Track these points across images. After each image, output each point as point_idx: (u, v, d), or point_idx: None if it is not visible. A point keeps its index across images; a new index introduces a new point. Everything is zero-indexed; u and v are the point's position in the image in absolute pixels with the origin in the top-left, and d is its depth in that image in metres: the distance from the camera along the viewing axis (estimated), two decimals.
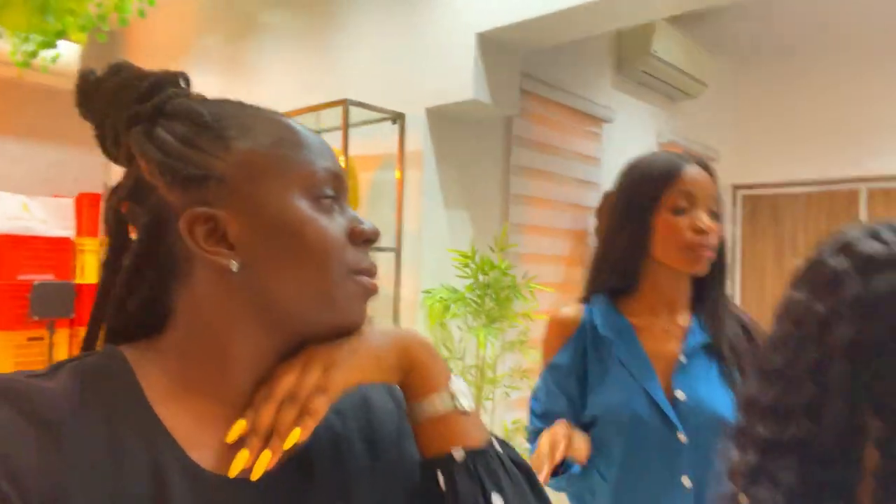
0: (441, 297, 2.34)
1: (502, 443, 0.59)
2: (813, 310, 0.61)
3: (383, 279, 2.53)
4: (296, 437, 0.50)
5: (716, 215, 1.15)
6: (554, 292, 2.98)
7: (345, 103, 2.37)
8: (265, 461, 0.49)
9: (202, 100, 0.56)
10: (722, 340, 1.14)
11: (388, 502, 0.58)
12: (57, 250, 3.52)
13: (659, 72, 3.60)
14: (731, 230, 4.72)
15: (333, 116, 2.52)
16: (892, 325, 0.56)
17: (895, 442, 0.55)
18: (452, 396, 0.57)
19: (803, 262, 0.66)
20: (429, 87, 2.51)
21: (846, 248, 0.62)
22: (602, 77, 3.50)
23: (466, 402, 0.57)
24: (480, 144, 2.78)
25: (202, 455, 0.50)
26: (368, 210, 2.70)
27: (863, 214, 4.25)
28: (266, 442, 0.50)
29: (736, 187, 4.78)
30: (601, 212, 3.26)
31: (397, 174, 2.54)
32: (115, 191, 0.55)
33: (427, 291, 2.44)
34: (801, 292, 0.63)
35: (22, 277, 3.34)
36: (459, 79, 2.42)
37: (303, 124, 0.58)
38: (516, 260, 2.89)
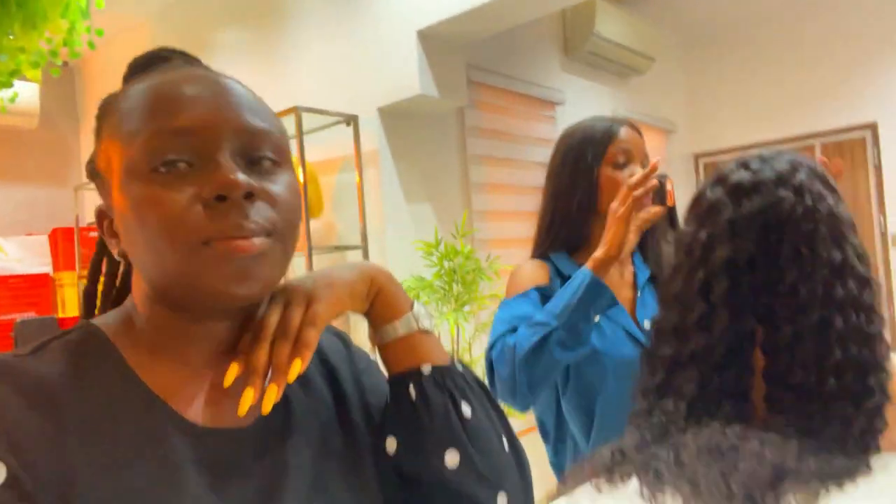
0: (410, 287, 2.41)
1: (462, 364, 0.64)
2: (697, 237, 0.68)
3: None
4: (297, 368, 0.51)
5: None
6: None
7: (296, 110, 2.44)
8: (272, 396, 0.50)
9: (143, 73, 0.55)
10: (662, 269, 1.26)
11: (355, 434, 0.60)
12: (36, 287, 3.57)
13: (605, 51, 3.70)
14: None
15: (288, 125, 2.59)
16: (760, 241, 0.64)
17: (777, 345, 0.62)
18: (416, 319, 0.60)
19: (691, 199, 0.74)
20: (378, 87, 2.59)
21: (720, 180, 0.69)
22: (550, 61, 3.59)
23: (429, 323, 0.61)
24: (435, 138, 2.86)
25: (192, 413, 0.51)
26: (333, 212, 2.77)
27: None
28: (265, 379, 0.51)
29: (697, 156, 4.90)
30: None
31: (356, 175, 2.62)
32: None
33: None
34: (689, 225, 0.71)
35: (4, 317, 3.38)
36: (405, 76, 2.50)
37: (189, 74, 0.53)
38: (484, 246, 2.97)
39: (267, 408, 0.50)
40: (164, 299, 0.52)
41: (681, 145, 4.77)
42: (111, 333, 0.53)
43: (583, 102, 3.78)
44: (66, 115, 4.02)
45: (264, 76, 3.04)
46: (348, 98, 2.66)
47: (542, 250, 1.30)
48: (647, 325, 1.20)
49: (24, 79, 2.59)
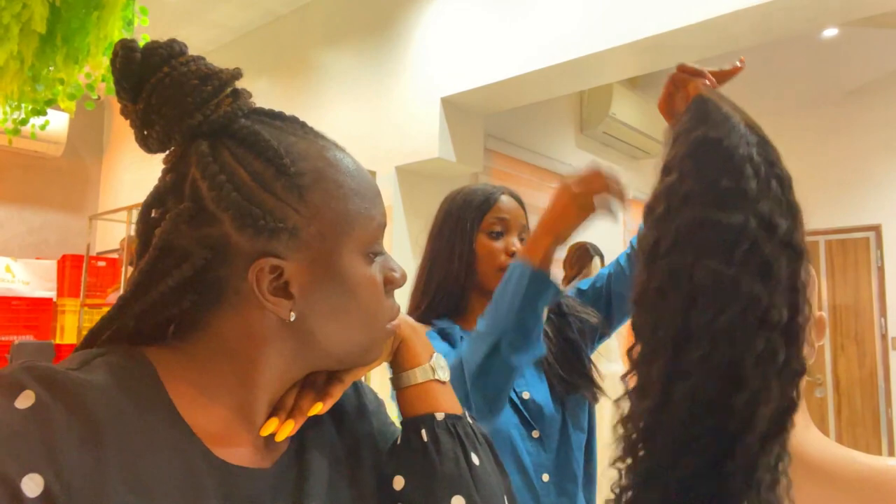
0: None
1: (472, 417, 0.66)
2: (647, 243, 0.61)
3: None
4: (318, 409, 0.57)
5: (524, 241, 1.22)
6: None
7: None
8: (288, 429, 0.56)
9: (261, 117, 0.55)
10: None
11: (358, 478, 0.61)
12: (38, 311, 3.57)
13: (619, 132, 3.83)
14: None
15: None
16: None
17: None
18: (433, 370, 0.64)
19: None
20: (398, 146, 2.68)
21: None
22: (565, 136, 3.71)
23: (444, 375, 0.65)
24: None
25: (221, 451, 0.52)
26: None
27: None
28: (287, 415, 0.57)
29: None
30: (568, 262, 3.40)
31: None
32: (156, 195, 0.54)
33: None
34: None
35: (2, 338, 3.38)
36: (426, 139, 2.59)
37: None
38: None
39: (280, 437, 0.56)
40: (323, 359, 0.58)
41: None
42: (154, 359, 0.53)
43: None
44: (90, 147, 4.13)
45: None
46: (369, 154, 2.75)
47: (420, 315, 1.21)
48: (525, 395, 1.12)
49: (57, 108, 2.69)
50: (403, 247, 2.69)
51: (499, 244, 1.19)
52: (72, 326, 3.59)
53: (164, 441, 0.50)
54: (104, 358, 0.51)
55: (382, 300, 0.57)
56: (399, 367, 0.65)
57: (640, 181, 4.33)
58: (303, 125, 0.58)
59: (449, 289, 1.20)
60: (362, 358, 0.59)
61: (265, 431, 0.55)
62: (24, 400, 0.45)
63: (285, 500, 0.55)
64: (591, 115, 3.74)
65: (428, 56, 2.65)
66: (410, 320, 0.66)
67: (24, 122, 2.71)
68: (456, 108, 2.64)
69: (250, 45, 3.45)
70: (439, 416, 0.61)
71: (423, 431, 0.60)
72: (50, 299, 3.64)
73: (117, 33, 2.39)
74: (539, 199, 3.45)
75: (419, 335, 0.66)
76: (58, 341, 3.58)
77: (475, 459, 0.60)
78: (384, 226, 0.58)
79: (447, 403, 0.63)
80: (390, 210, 2.67)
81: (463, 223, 1.20)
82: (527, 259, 0.98)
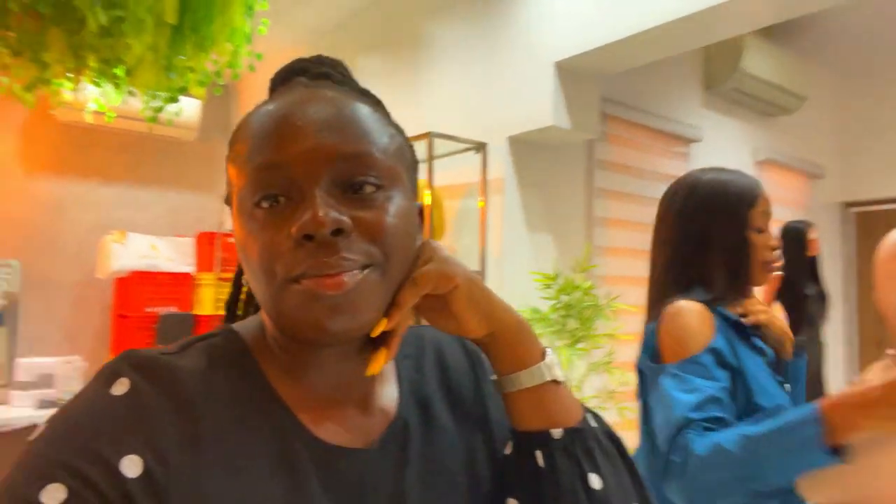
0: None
1: (595, 415, 0.58)
2: None
3: None
4: (382, 326, 0.50)
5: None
6: (637, 312, 2.93)
7: (429, 136, 2.51)
8: (382, 358, 0.51)
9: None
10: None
11: (475, 464, 0.58)
12: (179, 285, 3.89)
13: (751, 88, 3.51)
14: (843, 249, 4.42)
15: (421, 150, 2.67)
16: None
17: None
18: (549, 369, 0.55)
19: None
20: (509, 116, 2.61)
21: None
22: (689, 96, 3.46)
23: (560, 373, 0.56)
24: (562, 169, 2.83)
25: (320, 431, 0.52)
26: (454, 237, 2.81)
27: None
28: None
29: (846, 205, 4.49)
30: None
31: (480, 201, 2.63)
32: None
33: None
34: None
35: (149, 309, 3.72)
36: (539, 107, 2.50)
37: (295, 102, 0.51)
38: (602, 282, 2.88)
39: (373, 370, 0.51)
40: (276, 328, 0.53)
41: (828, 192, 4.39)
42: (250, 342, 0.54)
43: (721, 140, 3.60)
44: (220, 131, 4.39)
45: (402, 101, 3.17)
46: (479, 126, 2.70)
47: (684, 292, 1.17)
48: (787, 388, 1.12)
49: (189, 95, 2.86)
50: (516, 218, 2.64)
51: (762, 238, 1.19)
52: (209, 299, 3.88)
53: (260, 421, 0.50)
54: (205, 341, 0.53)
55: (271, 257, 0.47)
56: (502, 367, 0.56)
57: (774, 140, 3.96)
58: (310, 79, 0.56)
59: (712, 276, 1.19)
60: (283, 325, 0.50)
61: (373, 368, 0.51)
62: (120, 387, 0.47)
63: (385, 484, 0.53)
64: (718, 71, 3.46)
65: (540, 19, 2.55)
66: (481, 286, 0.55)
67: (160, 109, 2.91)
68: (570, 73, 2.52)
69: (361, 24, 3.49)
70: (556, 433, 0.54)
71: (539, 454, 0.54)
72: (189, 274, 3.95)
73: (239, 19, 2.49)
74: (661, 165, 3.26)
75: (523, 327, 0.56)
76: (197, 312, 3.89)
77: (596, 483, 0.53)
78: (272, 167, 0.48)
79: (565, 412, 0.55)
80: (501, 182, 2.61)
81: (736, 215, 1.18)
82: (828, 427, 0.82)
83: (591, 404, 2.44)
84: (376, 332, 0.51)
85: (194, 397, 0.48)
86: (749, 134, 3.83)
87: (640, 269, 3.12)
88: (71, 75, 2.39)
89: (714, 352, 1.07)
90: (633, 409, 2.48)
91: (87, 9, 1.89)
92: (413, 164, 0.58)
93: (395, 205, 0.51)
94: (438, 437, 0.58)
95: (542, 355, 0.56)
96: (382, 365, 0.52)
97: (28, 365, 3.33)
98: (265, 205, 0.48)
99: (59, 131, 3.85)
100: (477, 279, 0.56)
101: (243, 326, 0.56)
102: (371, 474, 0.52)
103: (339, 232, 0.47)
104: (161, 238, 3.95)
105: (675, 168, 3.33)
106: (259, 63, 2.95)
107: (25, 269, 3.73)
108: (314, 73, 0.56)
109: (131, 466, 0.43)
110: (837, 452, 0.82)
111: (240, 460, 0.47)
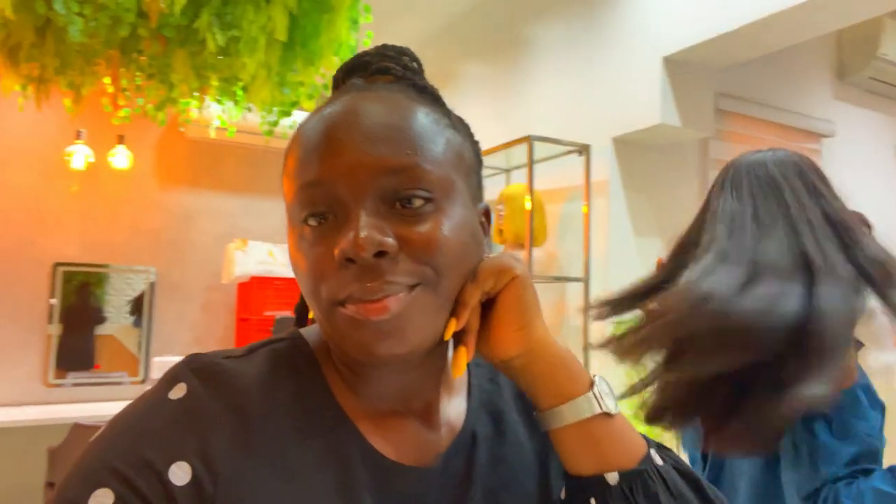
0: (633, 328, 2.26)
1: (660, 448, 0.51)
2: None
3: (571, 310, 2.53)
4: (452, 327, 0.48)
5: None
6: None
7: (528, 139, 2.46)
8: (464, 357, 0.49)
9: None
10: None
11: (548, 483, 0.54)
12: (294, 290, 4.07)
13: (891, 76, 3.16)
14: None
15: (520, 154, 2.63)
16: None
17: None
18: (598, 399, 0.48)
19: None
20: (614, 116, 2.51)
21: None
22: (818, 87, 3.16)
23: (612, 404, 0.49)
24: (672, 169, 2.68)
25: (379, 444, 0.50)
26: (556, 243, 2.73)
27: None
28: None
29: None
30: None
31: (584, 205, 2.55)
32: None
33: (619, 322, 2.38)
34: None
35: (267, 313, 3.94)
36: (646, 105, 2.38)
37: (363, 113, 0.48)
38: None
39: (457, 371, 0.49)
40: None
41: None
42: (316, 349, 0.53)
43: (856, 135, 3.26)
44: None
45: (503, 105, 3.14)
46: (582, 127, 2.62)
47: None
48: None
49: (302, 109, 3.00)
50: (623, 222, 2.52)
51: None
52: None
53: (319, 431, 0.48)
54: (271, 346, 0.52)
55: (317, 280, 0.45)
56: (543, 398, 0.49)
57: None
58: (364, 82, 0.52)
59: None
60: (334, 340, 0.48)
61: (457, 370, 0.48)
62: (178, 391, 0.46)
63: None
64: (853, 59, 3.14)
65: (645, 13, 2.43)
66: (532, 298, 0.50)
67: (275, 123, 3.07)
68: (680, 67, 2.38)
69: (462, 30, 3.51)
70: (612, 478, 0.47)
71: (594, 501, 0.47)
72: None
73: (345, 33, 2.58)
74: None
75: (562, 350, 0.50)
76: (311, 316, 4.06)
77: None
78: (314, 182, 0.46)
79: (621, 450, 0.48)
80: (605, 185, 2.51)
81: None
82: None
83: None
84: (448, 336, 0.48)
85: (251, 404, 0.47)
86: (889, 127, 3.45)
87: None
88: (196, 94, 2.59)
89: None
90: None
91: (206, 30, 2.03)
92: (474, 166, 0.54)
93: (449, 217, 0.47)
94: (510, 453, 0.54)
95: (590, 385, 0.49)
96: (467, 362, 0.49)
97: (162, 363, 3.62)
98: (312, 222, 0.46)
99: (188, 147, 4.19)
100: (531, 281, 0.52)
101: (311, 332, 0.55)
102: (431, 494, 0.50)
103: (382, 254, 0.44)
104: (277, 245, 4.17)
105: None
106: None
107: (160, 275, 4.08)
108: (374, 69, 0.53)
109: (179, 474, 0.43)
110: None
111: (293, 472, 0.46)
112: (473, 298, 0.49)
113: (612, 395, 0.50)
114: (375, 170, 0.45)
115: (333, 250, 0.44)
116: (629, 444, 0.48)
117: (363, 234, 0.43)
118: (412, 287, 0.45)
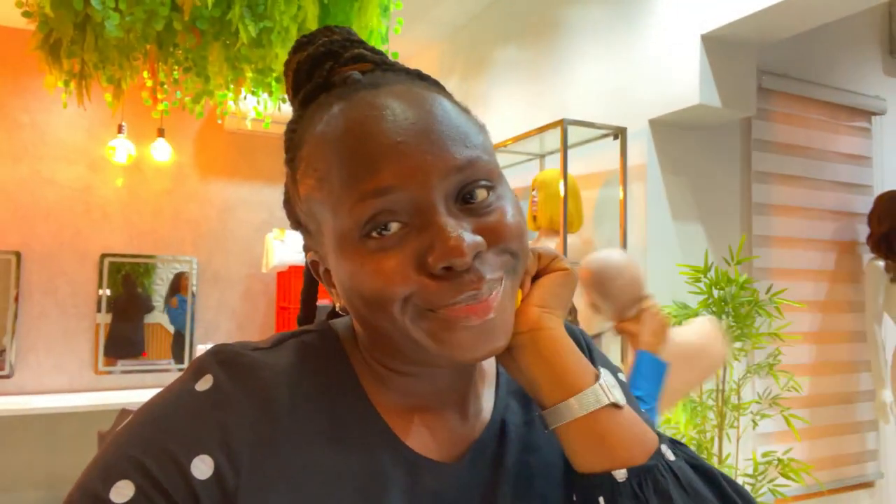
0: (672, 314, 2.21)
1: (673, 443, 0.49)
2: None
3: None
4: (519, 298, 0.50)
5: None
6: (806, 309, 2.62)
7: (562, 123, 2.42)
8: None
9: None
10: None
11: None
12: None
13: None
14: None
15: (554, 138, 2.58)
16: None
17: None
18: (604, 392, 0.47)
19: None
20: (650, 98, 2.44)
21: None
22: (868, 63, 3.02)
23: (620, 396, 0.47)
24: (713, 152, 2.59)
25: (409, 439, 0.49)
26: (592, 229, 2.69)
27: None
28: None
29: None
30: (875, 216, 2.78)
31: (620, 190, 2.49)
32: None
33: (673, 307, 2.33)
34: None
35: None
36: (684, 85, 2.31)
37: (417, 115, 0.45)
38: (764, 275, 2.60)
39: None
40: (385, 353, 0.50)
41: None
42: (345, 341, 0.52)
43: None
44: None
45: (537, 90, 3.09)
46: (617, 110, 2.56)
47: None
48: None
49: None
50: (661, 207, 2.46)
51: None
52: None
53: (346, 424, 0.47)
54: (299, 338, 0.51)
55: (397, 289, 0.43)
56: (548, 393, 0.47)
57: None
58: (354, 81, 0.48)
59: None
60: (420, 350, 0.45)
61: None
62: (204, 383, 0.46)
63: (473, 500, 0.49)
64: None
65: None
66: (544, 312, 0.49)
67: None
68: (720, 45, 2.29)
69: (495, 15, 3.46)
70: (620, 476, 0.45)
71: (602, 501, 0.45)
72: None
73: (376, 21, 2.57)
74: (836, 143, 2.88)
75: (569, 343, 0.48)
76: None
77: None
78: (379, 191, 0.42)
79: (630, 444, 0.46)
80: (643, 168, 2.45)
81: None
82: None
83: (750, 410, 2.21)
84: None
85: (278, 397, 0.46)
86: None
87: (809, 261, 2.80)
88: (231, 86, 2.62)
89: None
90: (800, 416, 2.22)
91: (239, 21, 2.05)
92: None
93: (507, 200, 0.47)
94: (542, 439, 0.53)
95: (596, 377, 0.48)
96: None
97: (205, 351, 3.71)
98: (375, 235, 0.43)
99: (226, 139, 4.26)
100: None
101: (341, 324, 0.54)
102: (462, 488, 0.49)
103: (476, 255, 0.43)
104: None
105: (855, 146, 2.93)
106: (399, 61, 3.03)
107: (202, 264, 4.17)
108: (347, 57, 0.50)
109: (202, 467, 0.42)
110: None
111: (319, 467, 0.45)
112: (532, 271, 0.51)
113: (619, 387, 0.48)
114: (441, 170, 0.43)
115: (419, 258, 0.43)
116: (639, 438, 0.46)
117: (458, 238, 0.42)
118: (501, 280, 0.45)
